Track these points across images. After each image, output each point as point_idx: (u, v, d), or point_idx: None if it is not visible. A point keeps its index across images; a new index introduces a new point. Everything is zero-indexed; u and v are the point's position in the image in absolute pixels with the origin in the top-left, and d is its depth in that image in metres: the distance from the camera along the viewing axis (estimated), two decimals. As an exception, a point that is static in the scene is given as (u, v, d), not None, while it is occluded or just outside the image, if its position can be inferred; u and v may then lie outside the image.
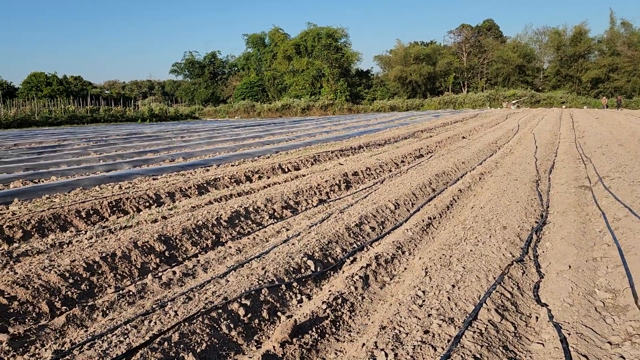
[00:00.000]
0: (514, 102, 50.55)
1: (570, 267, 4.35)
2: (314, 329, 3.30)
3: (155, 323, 3.23)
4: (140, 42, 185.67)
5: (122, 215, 6.50)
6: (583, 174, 9.42)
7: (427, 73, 59.47)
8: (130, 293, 3.94)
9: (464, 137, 17.96)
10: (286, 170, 10.34)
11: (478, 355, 2.77)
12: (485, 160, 11.66)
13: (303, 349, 3.10)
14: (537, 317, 3.47)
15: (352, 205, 6.88)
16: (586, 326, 3.27)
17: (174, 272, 4.43)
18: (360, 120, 31.79)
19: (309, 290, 4.13)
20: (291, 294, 3.97)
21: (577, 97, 52.11)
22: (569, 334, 3.11)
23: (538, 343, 3.11)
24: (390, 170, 10.35)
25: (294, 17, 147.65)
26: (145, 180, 8.73)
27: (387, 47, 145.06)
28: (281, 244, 5.11)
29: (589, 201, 7.16)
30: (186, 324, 3.17)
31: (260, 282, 3.92)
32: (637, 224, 5.47)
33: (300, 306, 3.82)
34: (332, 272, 4.57)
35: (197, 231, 5.37)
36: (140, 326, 3.19)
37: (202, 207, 6.60)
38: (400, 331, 3.05)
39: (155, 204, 7.03)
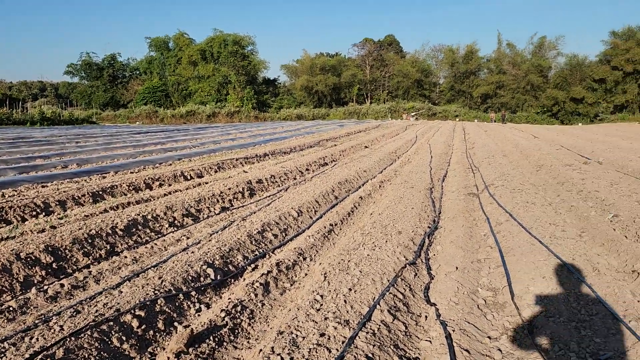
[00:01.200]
0: (413, 114, 53.19)
1: (457, 268, 4.66)
2: (211, 338, 3.26)
3: (37, 339, 3.01)
4: (31, 39, 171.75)
5: (4, 225, 5.99)
6: (472, 182, 10.13)
7: (333, 84, 60.87)
8: (11, 309, 3.64)
9: (366, 147, 18.58)
10: (189, 177, 10.09)
11: (370, 355, 2.90)
12: (385, 169, 12.15)
13: (199, 359, 3.05)
14: (426, 316, 3.68)
15: (255, 212, 6.87)
16: (469, 322, 3.53)
17: (62, 285, 4.16)
18: (267, 129, 31.80)
19: (208, 298, 4.07)
20: (189, 303, 3.88)
21: (469, 111, 55.94)
22: (454, 331, 3.34)
23: (426, 340, 3.30)
24: (295, 178, 10.46)
25: (200, 22, 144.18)
26: (33, 188, 8.10)
27: (293, 56, 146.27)
28: (180, 252, 4.98)
29: (476, 207, 7.71)
30: (72, 338, 3.00)
31: (156, 292, 3.80)
32: (515, 227, 5.99)
33: (199, 315, 3.75)
34: (232, 280, 4.54)
35: (90, 241, 5.09)
36: (20, 344, 2.96)
37: (97, 215, 6.26)
38: (297, 335, 3.10)
39: (44, 213, 6.56)
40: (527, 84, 53.03)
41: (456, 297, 3.97)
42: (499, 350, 3.19)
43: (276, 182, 9.74)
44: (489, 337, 3.38)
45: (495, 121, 48.00)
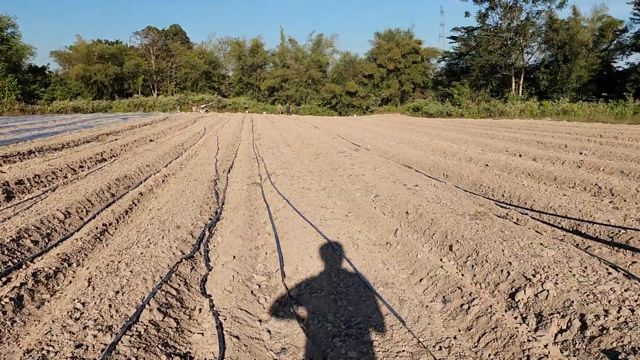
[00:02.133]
0: (202, 106, 52.54)
1: (234, 257, 4.73)
2: (-63, 372, 2.73)
3: None
4: None
5: None
6: (256, 172, 10.42)
7: (114, 74, 56.51)
8: None
9: (151, 140, 17.73)
10: None
11: (134, 358, 2.74)
12: (170, 163, 11.76)
13: None
14: (200, 309, 3.65)
15: (10, 218, 5.98)
16: (242, 309, 3.60)
17: None
18: (35, 123, 28.02)
19: (-62, 326, 3.39)
20: None
21: (257, 103, 57.48)
22: (225, 319, 3.37)
23: (199, 333, 3.27)
24: (65, 177, 9.43)
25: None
26: None
27: (65, 43, 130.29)
28: None
29: (258, 196, 7.95)
30: None
31: None
32: (291, 212, 6.34)
33: None
34: (-25, 300, 3.87)
35: None
36: None
37: None
38: (49, 351, 2.77)
39: None
40: (308, 78, 56.66)
41: (231, 285, 4.02)
42: (268, 331, 3.32)
43: (42, 182, 8.65)
44: (260, 320, 3.49)
45: (282, 113, 50.28)
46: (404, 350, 2.98)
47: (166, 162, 11.73)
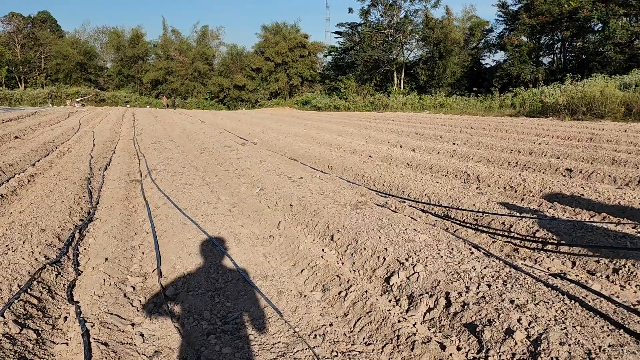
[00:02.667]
0: (78, 100, 48.76)
1: (107, 259, 4.43)
2: None
3: None
4: None
5: None
6: (136, 168, 9.90)
7: (-28, 64, 50.71)
8: None
9: (17, 137, 16.11)
10: None
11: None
12: (38, 161, 10.77)
13: None
14: (66, 317, 3.37)
15: None
16: (112, 314, 3.38)
17: None
18: None
19: None
20: None
21: (140, 96, 54.69)
22: (93, 326, 3.14)
23: (63, 343, 3.01)
24: None
25: None
26: None
27: None
28: None
29: (137, 194, 7.55)
30: None
31: None
32: (171, 209, 6.09)
33: None
34: None
35: None
36: None
37: None
38: None
39: None
40: (194, 70, 55.02)
41: (102, 290, 3.76)
42: (141, 334, 3.16)
43: None
44: (133, 324, 3.31)
45: (167, 106, 48.35)
46: (279, 342, 2.98)
47: (33, 161, 10.73)
